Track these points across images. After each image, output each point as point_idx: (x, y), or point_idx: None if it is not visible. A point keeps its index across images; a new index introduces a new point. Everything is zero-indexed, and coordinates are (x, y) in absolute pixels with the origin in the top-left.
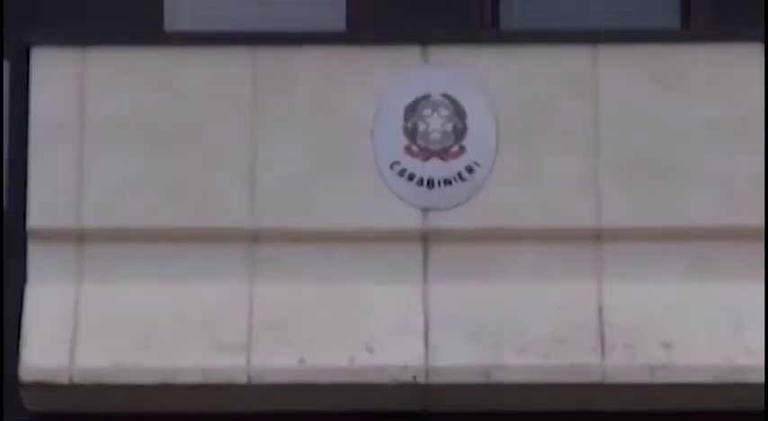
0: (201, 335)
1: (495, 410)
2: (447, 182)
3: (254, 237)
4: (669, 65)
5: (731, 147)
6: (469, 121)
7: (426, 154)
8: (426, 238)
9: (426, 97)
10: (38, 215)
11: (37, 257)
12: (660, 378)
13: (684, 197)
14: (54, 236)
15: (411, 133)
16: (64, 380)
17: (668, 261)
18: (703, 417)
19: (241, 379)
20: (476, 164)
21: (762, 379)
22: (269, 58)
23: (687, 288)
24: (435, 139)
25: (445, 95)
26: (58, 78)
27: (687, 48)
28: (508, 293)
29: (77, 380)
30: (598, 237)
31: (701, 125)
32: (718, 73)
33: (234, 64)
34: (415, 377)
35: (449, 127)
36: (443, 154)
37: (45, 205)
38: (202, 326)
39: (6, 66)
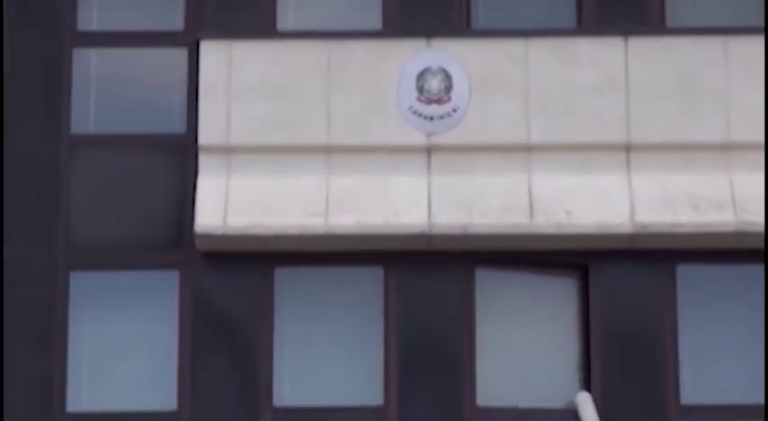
0: (299, 206)
1: (469, 249)
2: (441, 117)
3: (329, 150)
4: (569, 49)
5: (605, 98)
6: (454, 82)
7: (429, 101)
8: (429, 151)
9: (429, 68)
10: (205, 136)
11: (204, 161)
12: (564, 230)
13: (578, 125)
14: (214, 149)
15: (420, 89)
16: (220, 232)
17: (569, 163)
18: (590, 253)
19: (321, 231)
20: (458, 107)
21: (627, 230)
22: (337, 45)
23: (579, 178)
24: (434, 93)
25: (440, 68)
26: (216, 59)
27: (580, 39)
28: (476, 182)
29: (228, 232)
30: (528, 149)
31: (589, 85)
32: (598, 54)
33: (316, 50)
34: (422, 231)
35: (442, 86)
36: (439, 101)
37: (209, 131)
38: (299, 201)
39: (185, 52)
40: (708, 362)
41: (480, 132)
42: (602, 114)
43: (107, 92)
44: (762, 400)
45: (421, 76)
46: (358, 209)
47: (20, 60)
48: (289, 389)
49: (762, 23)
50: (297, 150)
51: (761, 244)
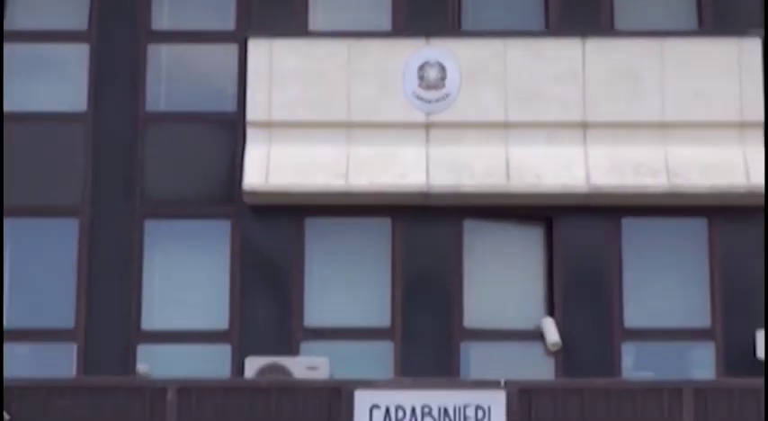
0: (325, 170)
1: (459, 205)
2: (437, 101)
3: (348, 125)
4: (539, 47)
5: (567, 86)
6: (448, 73)
7: (428, 88)
8: (428, 127)
9: (428, 62)
10: (251, 114)
11: (251, 134)
12: (534, 190)
13: (545, 107)
14: (258, 124)
15: (420, 78)
16: (263, 189)
17: (538, 137)
18: (554, 208)
19: (342, 189)
20: (450, 92)
21: (583, 190)
22: (355, 42)
23: (546, 149)
24: (432, 81)
25: (437, 61)
26: (260, 53)
27: (547, 39)
28: (465, 151)
29: (269, 189)
30: (506, 126)
31: (554, 76)
32: (561, 51)
33: (339, 46)
34: (422, 190)
35: (438, 76)
36: (436, 88)
37: (254, 110)
38: (325, 166)
39: (235, 48)
40: (645, 295)
41: (468, 112)
42: (564, 99)
43: (174, 78)
44: (684, 324)
45: (421, 67)
46: (371, 172)
47: (106, 54)
48: (316, 313)
49: (690, 27)
50: (323, 125)
51: (688, 201)
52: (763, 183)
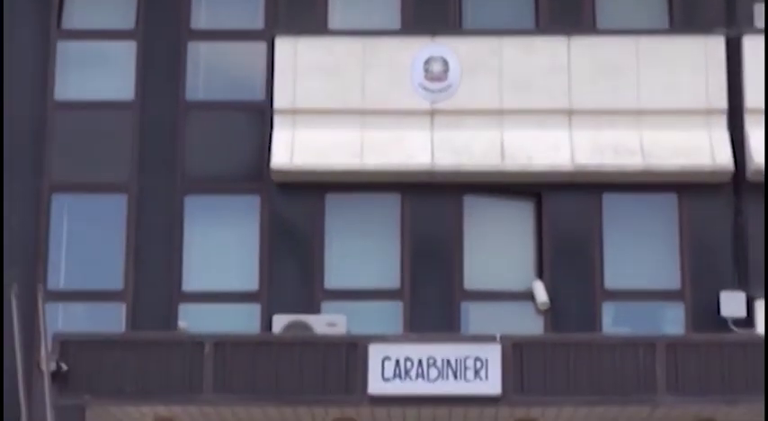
0: (342, 151)
1: (460, 182)
2: (441, 91)
3: (363, 112)
4: (530, 44)
5: (554, 78)
6: (450, 66)
7: (432, 79)
8: (432, 113)
9: (433, 57)
10: (278, 102)
11: (277, 119)
12: (525, 169)
13: (536, 97)
14: (284, 111)
15: (426, 71)
16: (288, 168)
17: (529, 122)
18: (543, 185)
19: (357, 168)
20: (453, 84)
21: (569, 169)
22: (369, 39)
23: (536, 133)
24: (436, 74)
25: (440, 56)
26: (286, 49)
27: (537, 37)
28: (465, 135)
29: (293, 168)
30: (501, 112)
31: (543, 69)
32: (549, 47)
33: (355, 42)
34: (428, 169)
35: (442, 69)
36: (439, 79)
37: (281, 99)
38: (342, 147)
39: (264, 44)
40: (623, 260)
41: (468, 101)
42: (552, 89)
43: (211, 71)
44: (657, 286)
45: (427, 61)
46: (383, 153)
47: (151, 50)
48: (334, 276)
49: (662, 26)
50: (341, 112)
51: (661, 179)
52: (730, 163)
